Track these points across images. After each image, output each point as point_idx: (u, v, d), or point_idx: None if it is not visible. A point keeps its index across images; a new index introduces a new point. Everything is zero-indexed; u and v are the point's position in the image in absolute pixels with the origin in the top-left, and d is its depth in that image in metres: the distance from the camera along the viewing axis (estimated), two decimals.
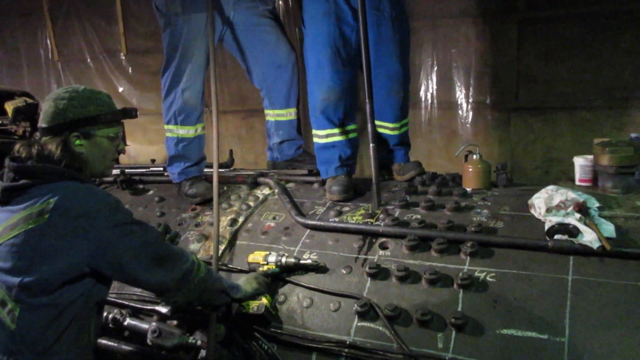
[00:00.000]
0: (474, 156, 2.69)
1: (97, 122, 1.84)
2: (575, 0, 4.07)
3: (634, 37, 3.96)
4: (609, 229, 2.05)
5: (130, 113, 1.99)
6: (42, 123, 1.84)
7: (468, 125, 4.59)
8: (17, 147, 1.83)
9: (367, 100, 2.52)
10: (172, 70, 2.95)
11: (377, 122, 2.94)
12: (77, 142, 1.82)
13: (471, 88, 4.51)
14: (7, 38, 6.55)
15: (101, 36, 6.06)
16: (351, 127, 2.84)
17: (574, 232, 2.05)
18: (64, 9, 6.18)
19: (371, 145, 2.56)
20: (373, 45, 2.62)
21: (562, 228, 2.08)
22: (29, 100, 4.17)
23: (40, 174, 1.73)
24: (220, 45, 3.12)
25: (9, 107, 4.03)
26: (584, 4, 4.05)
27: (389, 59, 2.78)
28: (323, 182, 2.90)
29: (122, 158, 4.66)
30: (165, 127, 3.04)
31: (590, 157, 2.47)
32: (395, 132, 2.96)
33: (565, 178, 2.75)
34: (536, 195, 2.34)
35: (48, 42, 6.34)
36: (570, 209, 2.18)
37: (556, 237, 2.06)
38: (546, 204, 2.24)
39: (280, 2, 4.95)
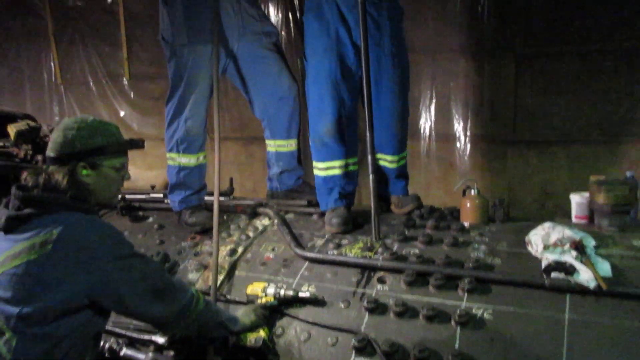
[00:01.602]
0: (472, 191, 2.73)
1: (104, 152, 1.88)
2: (571, 38, 4.15)
3: (629, 74, 4.03)
4: (605, 268, 2.08)
5: (137, 144, 2.03)
6: (50, 152, 1.87)
7: (465, 157, 4.63)
8: (24, 175, 1.86)
9: (367, 133, 2.56)
10: (176, 100, 3.00)
11: (376, 155, 2.99)
12: (84, 172, 1.85)
13: (469, 121, 4.56)
14: (11, 60, 6.62)
15: (105, 61, 6.14)
16: (351, 160, 2.88)
17: (570, 270, 2.07)
18: (69, 32, 6.27)
19: (371, 176, 2.59)
20: (373, 80, 2.67)
21: (559, 266, 2.10)
22: (32, 124, 4.21)
23: (45, 204, 1.75)
24: (223, 75, 3.18)
25: (12, 129, 4.07)
26: (579, 42, 4.13)
27: (389, 93, 2.83)
28: (322, 214, 2.92)
29: None
30: (168, 155, 3.08)
31: (587, 194, 2.51)
32: (394, 165, 3.00)
33: (561, 213, 2.79)
34: (533, 231, 2.37)
35: (52, 65, 6.41)
36: (566, 247, 2.21)
37: (553, 274, 2.08)
38: (543, 241, 2.27)
39: (283, 33, 5.03)
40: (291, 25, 5.02)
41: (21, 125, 4.07)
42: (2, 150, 4.03)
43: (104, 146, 1.87)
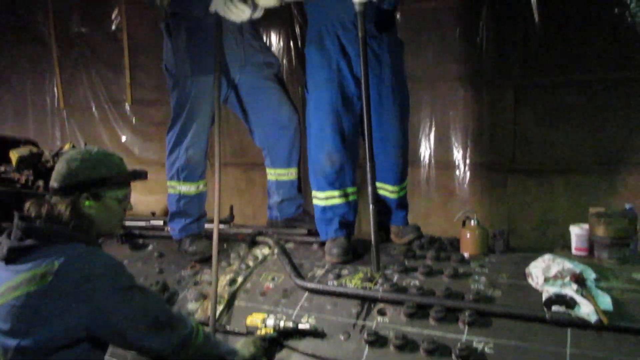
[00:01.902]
0: (472, 222, 2.73)
1: (106, 184, 1.89)
2: (569, 68, 4.21)
3: (628, 104, 4.07)
4: (606, 302, 2.07)
5: (140, 175, 2.06)
6: (53, 183, 1.89)
7: (465, 185, 4.65)
8: (27, 205, 1.86)
9: (367, 163, 2.57)
10: (177, 128, 3.03)
11: (377, 184, 3.01)
12: (87, 203, 1.86)
13: (468, 149, 4.60)
14: (15, 85, 6.70)
15: (107, 86, 6.21)
16: (351, 189, 2.89)
17: (571, 303, 2.07)
18: (73, 58, 6.35)
19: (371, 207, 2.60)
20: (374, 112, 2.69)
21: (560, 299, 2.09)
22: (34, 149, 4.25)
23: (47, 235, 1.75)
24: (224, 103, 3.22)
25: (14, 155, 4.10)
26: (577, 72, 4.19)
27: (389, 125, 2.86)
28: (322, 243, 2.92)
29: None
30: (168, 183, 3.09)
31: (586, 226, 2.51)
32: (395, 195, 3.01)
33: (561, 243, 2.78)
34: (533, 263, 2.36)
35: (55, 90, 6.48)
36: (567, 279, 2.20)
37: (554, 308, 2.07)
38: (543, 273, 2.26)
39: (284, 62, 5.10)
40: (292, 54, 5.10)
41: (23, 150, 4.11)
42: (3, 176, 4.05)
43: (106, 178, 1.89)
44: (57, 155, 4.33)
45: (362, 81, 2.53)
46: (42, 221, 1.79)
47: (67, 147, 4.48)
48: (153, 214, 3.99)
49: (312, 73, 2.87)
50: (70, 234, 1.79)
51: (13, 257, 1.73)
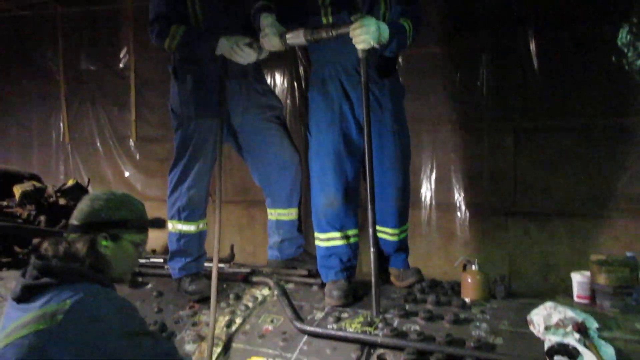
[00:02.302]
0: (473, 266, 2.72)
1: (126, 226, 1.90)
2: (568, 113, 4.28)
3: (625, 149, 4.13)
4: (609, 352, 2.04)
5: (159, 223, 2.07)
6: (74, 220, 1.90)
7: (466, 227, 4.65)
8: (44, 244, 1.87)
9: (369, 206, 2.59)
10: (180, 168, 3.06)
11: (377, 227, 3.01)
12: (104, 242, 1.86)
13: (469, 191, 4.62)
14: (22, 119, 6.80)
15: (113, 122, 6.30)
16: (352, 231, 2.90)
17: (574, 353, 2.04)
18: (80, 94, 6.47)
19: (372, 250, 2.59)
20: (376, 156, 2.72)
21: (562, 349, 2.07)
22: (37, 184, 4.28)
23: (63, 273, 1.74)
24: (226, 144, 3.26)
25: (17, 190, 4.13)
26: (576, 117, 4.26)
27: (391, 168, 2.89)
28: (323, 285, 2.91)
29: None
30: (169, 222, 3.10)
31: (588, 273, 2.50)
32: (395, 238, 3.01)
33: (563, 289, 2.77)
34: (535, 311, 2.34)
35: (61, 125, 6.56)
36: (569, 329, 2.18)
37: (556, 357, 2.04)
38: (545, 321, 2.24)
39: (288, 102, 5.19)
40: (296, 95, 5.19)
41: (26, 185, 4.14)
42: (6, 211, 4.07)
43: (127, 220, 1.91)
44: (60, 190, 4.37)
45: (364, 125, 2.57)
46: (58, 260, 1.79)
47: (70, 182, 4.52)
48: (153, 251, 3.98)
49: (315, 116, 2.92)
50: (86, 273, 1.78)
51: (26, 295, 1.71)
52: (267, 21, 2.74)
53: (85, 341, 1.60)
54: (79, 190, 4.45)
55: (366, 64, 2.56)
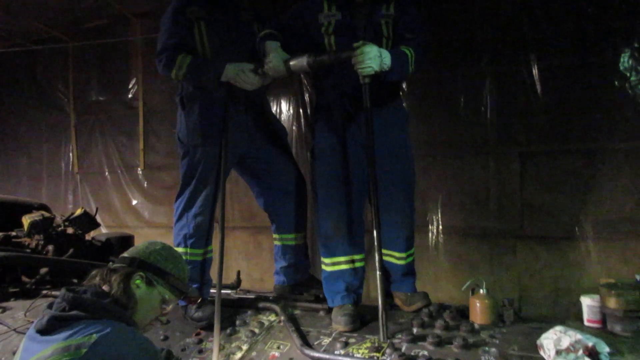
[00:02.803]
0: (481, 290, 2.70)
1: (165, 277, 1.96)
2: (573, 137, 4.30)
3: (632, 173, 4.12)
4: None
5: (188, 291, 2.10)
6: (126, 253, 1.99)
7: (474, 251, 4.63)
8: (94, 273, 1.92)
9: (374, 230, 2.59)
10: (186, 196, 3.08)
11: (384, 251, 3.00)
12: (138, 281, 1.90)
13: (476, 215, 4.61)
14: (32, 150, 6.91)
15: (121, 151, 6.39)
16: (358, 256, 2.89)
17: None
18: (89, 124, 6.59)
19: (378, 273, 2.58)
20: (379, 180, 2.74)
21: None
22: (45, 214, 4.31)
23: (92, 307, 1.75)
24: (232, 170, 3.29)
25: (26, 220, 4.16)
26: (580, 141, 4.27)
27: (395, 193, 2.89)
28: (329, 310, 2.88)
29: None
30: (175, 249, 3.10)
31: (597, 297, 2.47)
32: (402, 262, 3.00)
33: (574, 312, 2.73)
34: (544, 335, 2.30)
35: (70, 155, 6.66)
36: (580, 353, 2.14)
37: None
38: (555, 346, 2.20)
39: (294, 127, 5.25)
40: (302, 121, 5.25)
41: (35, 215, 4.17)
42: (15, 241, 4.09)
43: (169, 273, 1.97)
44: (68, 220, 4.39)
45: (368, 150, 2.59)
46: (89, 294, 1.81)
47: (78, 212, 4.54)
48: None
49: (319, 141, 2.95)
50: (115, 310, 1.79)
51: (52, 327, 1.70)
52: (271, 47, 2.80)
53: None
54: (86, 219, 4.48)
55: (368, 89, 2.59)
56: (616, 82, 4.13)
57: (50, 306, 1.78)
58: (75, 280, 3.86)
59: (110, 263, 1.94)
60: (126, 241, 4.79)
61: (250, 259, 5.71)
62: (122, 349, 1.65)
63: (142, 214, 6.13)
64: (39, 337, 1.70)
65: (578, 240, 4.26)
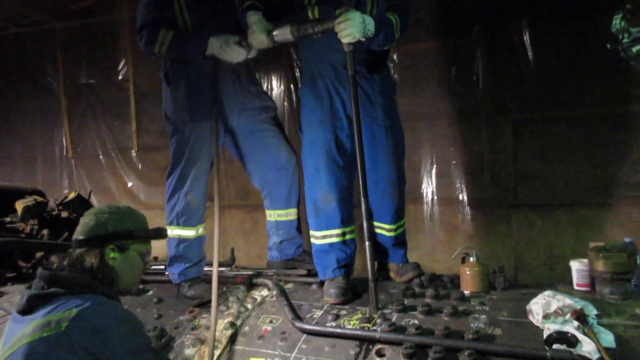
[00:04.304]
0: (471, 258, 2.70)
1: (132, 237, 1.96)
2: (566, 103, 4.24)
3: (626, 137, 4.08)
4: (608, 339, 2.02)
5: (161, 233, 2.12)
6: (78, 235, 1.93)
7: (469, 221, 4.62)
8: (52, 258, 1.91)
9: (362, 199, 2.58)
10: (177, 174, 3.07)
11: (374, 223, 3.00)
12: (112, 254, 1.91)
13: (470, 185, 4.59)
14: (25, 136, 6.85)
15: (114, 134, 6.33)
16: (348, 228, 2.89)
17: (572, 340, 2.02)
18: (81, 108, 6.51)
19: (367, 243, 2.58)
20: (368, 151, 2.72)
21: (561, 337, 2.05)
22: (39, 199, 4.30)
23: (71, 284, 1.77)
24: (223, 147, 3.26)
25: (19, 205, 4.16)
26: (574, 107, 4.22)
27: (384, 164, 2.87)
28: (322, 283, 2.90)
29: None
30: (168, 227, 3.10)
31: (586, 261, 2.47)
32: (392, 233, 3.00)
33: (568, 278, 2.73)
34: (534, 300, 2.32)
35: (64, 139, 6.62)
36: (568, 316, 2.16)
37: (555, 346, 2.02)
38: (543, 310, 2.22)
39: (285, 104, 5.20)
40: (293, 97, 5.19)
41: (28, 200, 4.17)
42: (9, 226, 4.10)
43: (133, 230, 1.96)
44: (61, 204, 4.39)
45: (354, 120, 2.56)
46: (66, 272, 1.82)
47: (71, 195, 4.54)
48: (155, 258, 3.98)
49: (306, 114, 2.92)
50: (95, 285, 1.81)
51: (32, 306, 1.72)
52: (253, 19, 2.75)
53: (87, 350, 1.60)
54: (80, 203, 4.48)
55: (352, 57, 2.55)
56: (609, 45, 4.06)
57: (29, 287, 1.79)
58: None
59: (71, 250, 1.91)
60: None
61: (247, 237, 5.71)
62: (102, 321, 1.66)
63: (138, 196, 6.10)
64: (20, 318, 1.72)
65: (572, 206, 4.25)
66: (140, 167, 6.19)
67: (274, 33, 2.72)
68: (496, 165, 4.51)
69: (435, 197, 4.76)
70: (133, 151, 6.20)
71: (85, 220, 1.95)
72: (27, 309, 1.72)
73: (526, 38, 4.34)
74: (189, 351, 2.61)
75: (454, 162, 4.67)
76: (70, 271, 1.81)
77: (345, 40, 2.50)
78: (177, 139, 3.08)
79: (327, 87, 2.84)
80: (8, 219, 4.19)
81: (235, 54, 2.86)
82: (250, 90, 3.20)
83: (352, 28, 2.46)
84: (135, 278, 2.03)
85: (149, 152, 6.13)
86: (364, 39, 2.55)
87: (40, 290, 1.74)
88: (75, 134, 6.54)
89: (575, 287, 2.52)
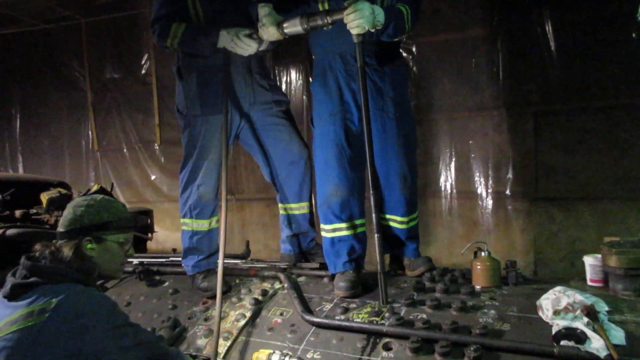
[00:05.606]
0: (483, 253, 2.67)
1: (109, 228, 2.02)
2: (589, 94, 4.14)
3: None
4: (618, 336, 1.97)
5: (137, 222, 2.16)
6: (60, 227, 2.02)
7: (489, 215, 4.56)
8: (36, 247, 1.99)
9: (371, 191, 2.56)
10: (189, 167, 3.10)
11: (386, 215, 2.99)
12: (89, 245, 1.98)
13: (490, 178, 4.53)
14: (53, 130, 7.07)
15: (138, 128, 6.48)
16: (358, 221, 2.88)
17: (581, 337, 1.97)
18: (106, 103, 6.68)
19: (376, 236, 2.57)
20: (378, 144, 2.71)
21: (569, 333, 2.00)
22: (63, 191, 4.42)
23: (50, 274, 1.86)
24: (235, 141, 3.29)
25: (44, 197, 4.28)
26: (597, 97, 4.11)
27: (394, 156, 2.85)
28: (333, 277, 2.90)
29: (150, 244, 4.80)
30: (181, 220, 3.15)
31: (600, 256, 2.41)
32: (404, 226, 2.97)
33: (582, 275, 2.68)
34: (544, 296, 2.27)
35: (89, 133, 6.79)
36: (578, 312, 2.11)
37: (563, 342, 1.98)
38: (553, 306, 2.17)
39: (304, 97, 5.21)
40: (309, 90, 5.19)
41: (52, 192, 4.28)
42: (35, 217, 4.22)
43: (109, 222, 2.02)
44: (85, 196, 4.50)
45: (363, 111, 2.54)
46: (47, 261, 1.90)
47: (94, 188, 4.64)
48: (174, 250, 4.06)
49: (317, 107, 2.92)
50: (72, 274, 1.89)
51: (16, 294, 1.82)
52: (264, 11, 2.75)
53: (71, 335, 1.70)
54: (103, 195, 4.58)
55: (362, 49, 2.53)
56: (634, 35, 3.93)
57: (14, 273, 1.89)
58: None
59: (54, 241, 1.99)
60: (144, 215, 4.90)
61: (267, 230, 5.77)
62: (81, 308, 1.75)
63: (160, 189, 6.24)
64: (6, 302, 1.82)
65: (595, 200, 4.15)
66: (163, 160, 6.32)
67: (284, 25, 2.71)
68: (516, 157, 4.45)
69: (454, 191, 4.72)
70: (156, 144, 6.33)
71: (65, 213, 2.03)
72: (11, 296, 1.82)
73: (548, 28, 4.25)
74: (200, 342, 2.66)
75: (473, 155, 4.61)
76: (50, 261, 1.90)
77: (354, 32, 2.48)
78: (189, 133, 3.12)
79: (337, 79, 2.83)
80: (34, 211, 4.32)
81: (247, 47, 2.86)
82: (262, 83, 3.20)
83: (361, 19, 2.44)
84: (116, 265, 2.11)
85: (172, 145, 6.24)
86: (373, 30, 2.52)
87: (22, 279, 1.83)
88: (101, 127, 6.72)
89: (589, 283, 2.46)
